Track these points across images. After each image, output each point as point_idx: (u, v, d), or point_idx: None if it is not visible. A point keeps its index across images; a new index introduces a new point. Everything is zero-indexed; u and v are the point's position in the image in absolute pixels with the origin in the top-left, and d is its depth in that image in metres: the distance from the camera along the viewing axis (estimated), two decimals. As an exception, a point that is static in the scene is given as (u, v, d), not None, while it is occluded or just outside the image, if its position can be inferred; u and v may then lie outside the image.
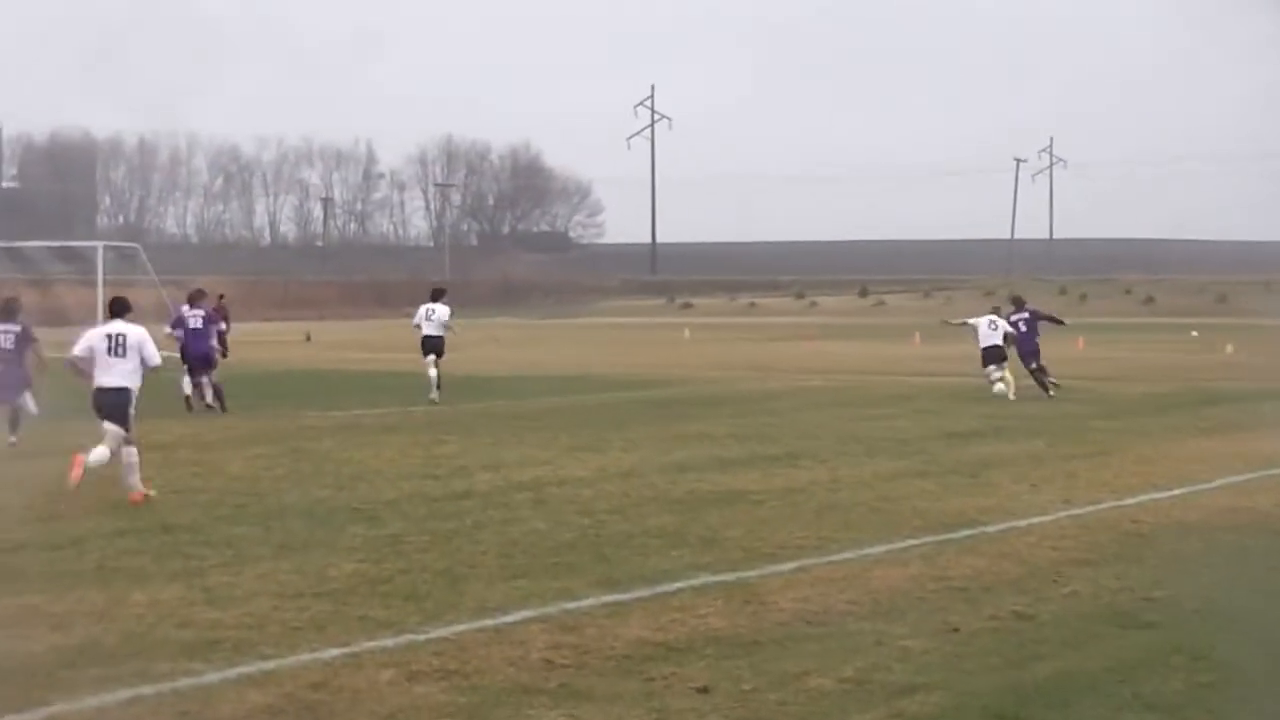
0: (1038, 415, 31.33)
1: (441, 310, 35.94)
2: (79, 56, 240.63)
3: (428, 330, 35.52)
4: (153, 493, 19.04)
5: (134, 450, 18.95)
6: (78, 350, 19.34)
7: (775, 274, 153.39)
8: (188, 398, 32.96)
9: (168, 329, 33.34)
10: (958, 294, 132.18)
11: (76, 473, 18.46)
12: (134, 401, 19.25)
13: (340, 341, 62.26)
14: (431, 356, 35.10)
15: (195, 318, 33.79)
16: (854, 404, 34.51)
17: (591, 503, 18.88)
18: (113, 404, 19.04)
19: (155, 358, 19.48)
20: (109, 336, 19.23)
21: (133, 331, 19.32)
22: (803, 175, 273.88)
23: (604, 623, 12.45)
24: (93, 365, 19.17)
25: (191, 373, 33.23)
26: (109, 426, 18.91)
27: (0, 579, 13.87)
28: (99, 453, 18.68)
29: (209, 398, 32.65)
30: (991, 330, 36.41)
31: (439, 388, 34.31)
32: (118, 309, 19.63)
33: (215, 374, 33.10)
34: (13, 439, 25.49)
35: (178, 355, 32.83)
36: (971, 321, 37.62)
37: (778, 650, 11.65)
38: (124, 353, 19.16)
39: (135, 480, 18.92)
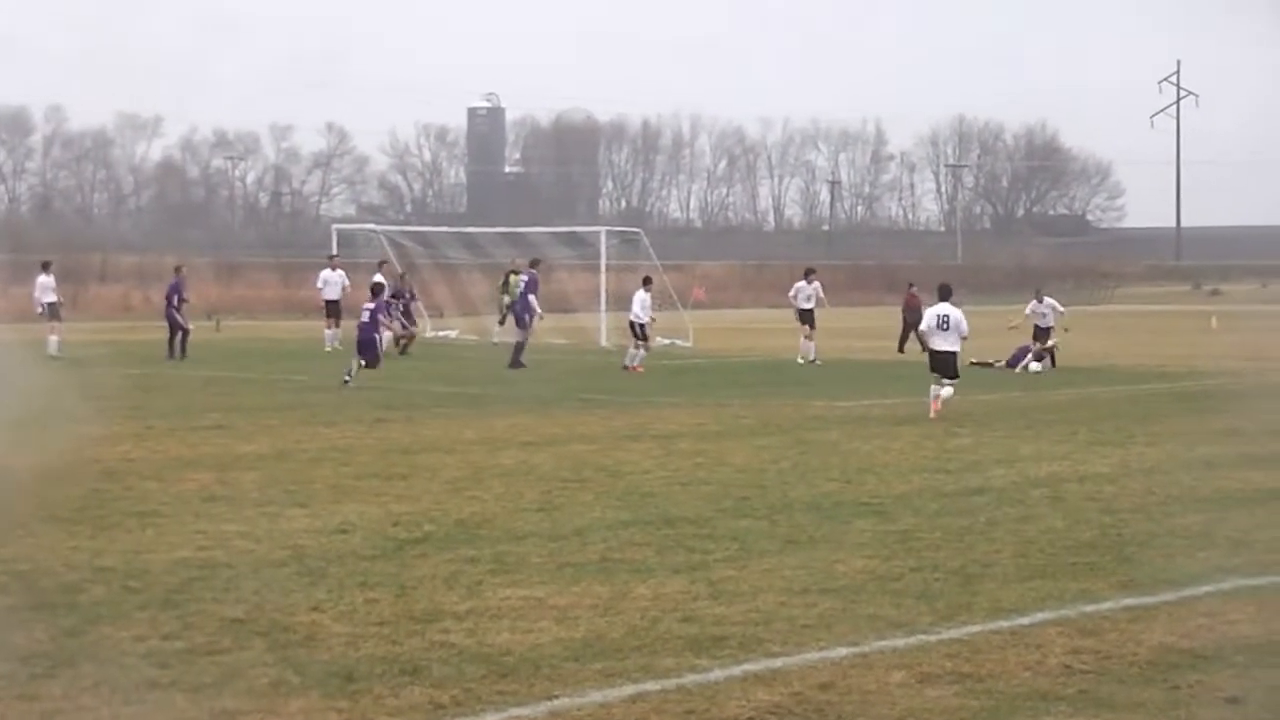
0: None
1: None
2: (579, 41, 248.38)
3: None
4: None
5: (951, 391, 27.55)
6: (923, 327, 28.74)
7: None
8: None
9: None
10: None
11: (936, 406, 27.08)
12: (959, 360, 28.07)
13: (847, 329, 61.94)
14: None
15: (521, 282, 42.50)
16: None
17: (1113, 500, 18.26)
18: (946, 362, 27.63)
19: (966, 329, 27.95)
20: (939, 317, 27.81)
21: (954, 312, 27.73)
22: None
23: (1126, 627, 12.07)
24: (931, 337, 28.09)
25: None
26: (944, 380, 27.54)
27: (506, 570, 14.00)
28: (946, 391, 27.43)
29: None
30: None
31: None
32: (944, 294, 28.21)
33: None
34: (347, 378, 33.54)
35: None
36: None
37: (1315, 659, 11.08)
38: (948, 327, 27.67)
39: (938, 406, 27.12)
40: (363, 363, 33.94)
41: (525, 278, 42.81)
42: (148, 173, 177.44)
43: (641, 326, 40.09)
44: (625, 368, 39.54)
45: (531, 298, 41.83)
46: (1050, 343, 41.43)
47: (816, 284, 44.63)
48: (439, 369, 40.47)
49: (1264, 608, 12.67)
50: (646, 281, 41.57)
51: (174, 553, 14.75)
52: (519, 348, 40.64)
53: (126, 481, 19.38)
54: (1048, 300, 42.11)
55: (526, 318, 41.55)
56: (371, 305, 35.16)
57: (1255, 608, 12.67)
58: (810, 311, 43.96)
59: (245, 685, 10.31)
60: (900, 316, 50.21)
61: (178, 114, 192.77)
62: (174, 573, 13.83)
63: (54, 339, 43.02)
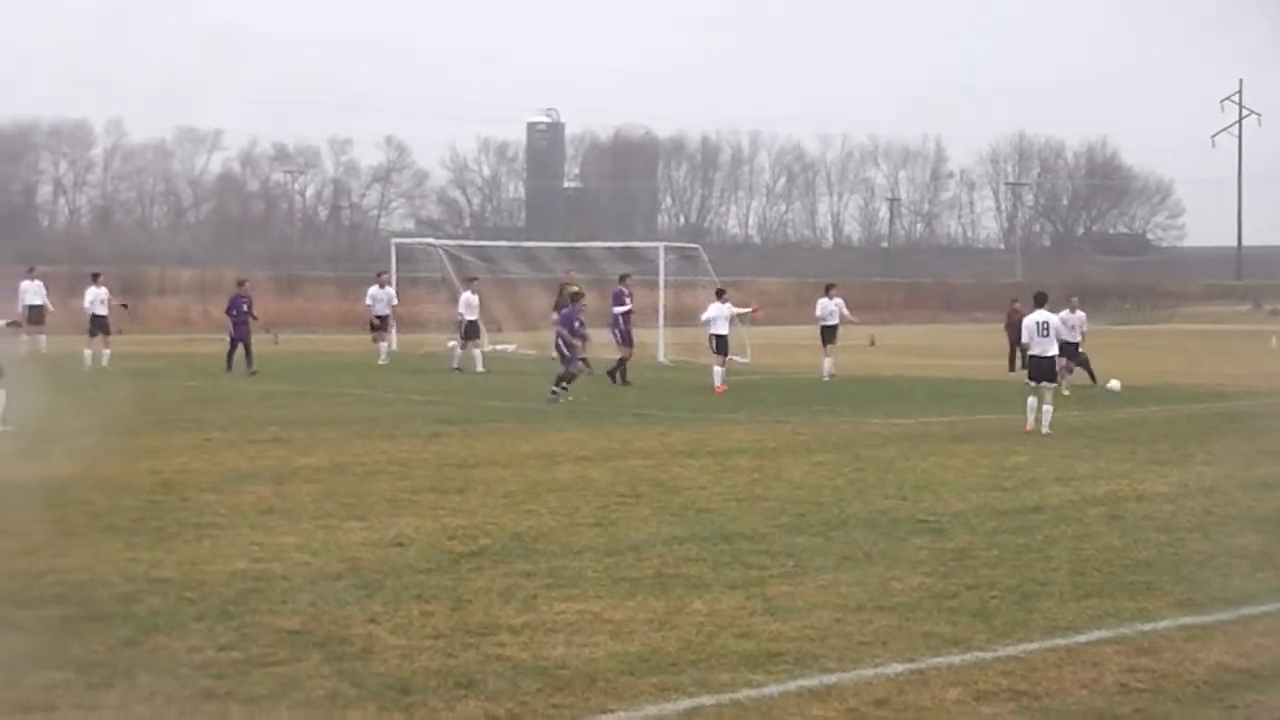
0: None
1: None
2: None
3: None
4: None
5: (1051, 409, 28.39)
6: (1025, 337, 29.40)
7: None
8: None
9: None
10: None
11: (1032, 423, 28.21)
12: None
13: (905, 346, 61.99)
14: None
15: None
16: None
17: (1171, 519, 18.13)
18: (1047, 367, 28.72)
19: (1064, 334, 30.96)
20: (1038, 324, 28.81)
21: (1053, 318, 29.40)
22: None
23: (1183, 646, 12.01)
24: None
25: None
26: (1046, 384, 28.56)
27: (562, 584, 14.01)
28: (1047, 410, 28.24)
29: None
30: None
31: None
32: (1040, 301, 29.59)
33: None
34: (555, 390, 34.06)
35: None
36: None
37: (1372, 680, 11.05)
38: (1049, 333, 28.75)
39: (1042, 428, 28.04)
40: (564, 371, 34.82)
41: (613, 294, 43.19)
42: (207, 186, 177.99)
43: (723, 339, 39.62)
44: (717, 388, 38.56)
45: (616, 310, 41.91)
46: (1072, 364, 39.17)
47: (839, 300, 44.26)
48: (496, 383, 40.53)
49: (1323, 628, 12.60)
50: (720, 294, 41.11)
51: (231, 564, 14.82)
52: (621, 364, 40.68)
53: (184, 493, 19.48)
54: (1079, 313, 40.72)
55: (616, 333, 41.86)
56: (566, 312, 35.83)
57: (1314, 628, 12.61)
58: (834, 328, 43.72)
59: (301, 697, 10.35)
60: (1005, 334, 49.51)
61: (238, 127, 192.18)
62: (230, 584, 13.89)
63: (88, 352, 43.52)
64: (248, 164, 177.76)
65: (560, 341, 35.10)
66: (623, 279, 44.23)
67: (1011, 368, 46.14)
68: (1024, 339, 29.71)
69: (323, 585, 13.91)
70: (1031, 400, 28.40)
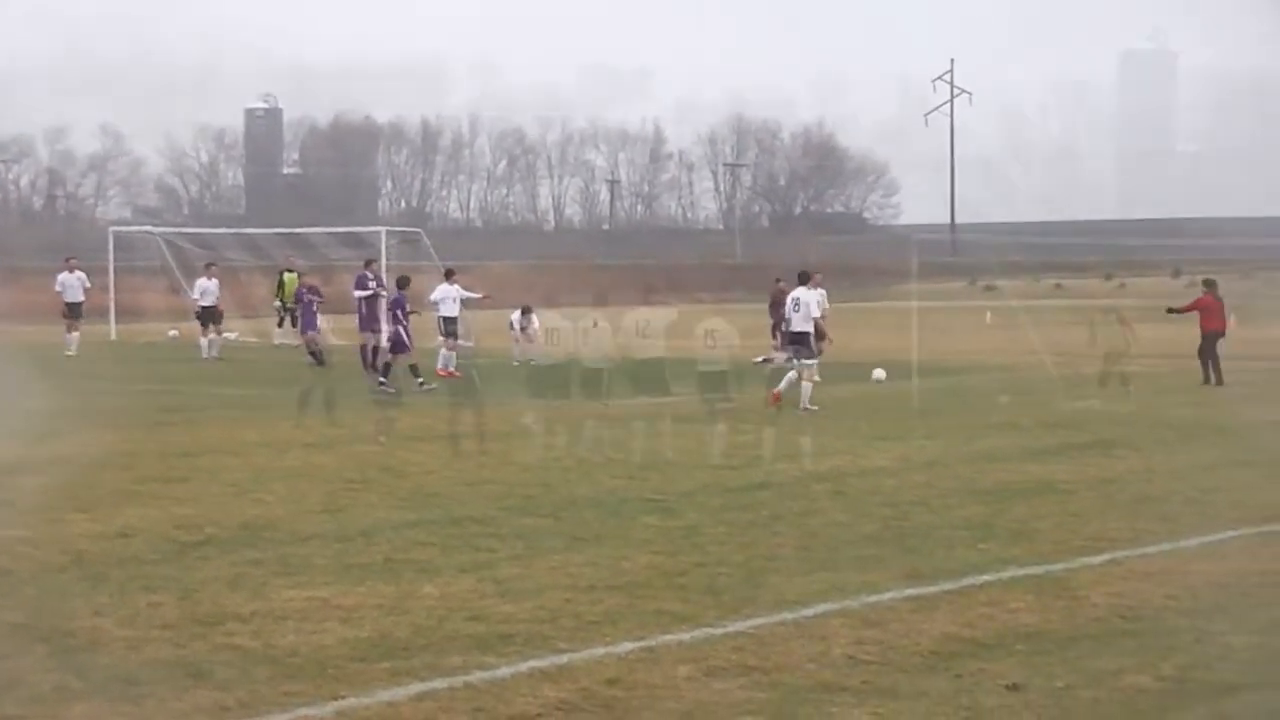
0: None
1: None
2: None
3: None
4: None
5: (809, 387, 28.64)
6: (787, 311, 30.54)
7: (1084, 255, 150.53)
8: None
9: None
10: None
11: (775, 396, 28.84)
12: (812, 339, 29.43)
13: (629, 328, 62.04)
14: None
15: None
16: (1170, 390, 33.50)
17: (894, 493, 18.50)
18: (800, 341, 29.27)
19: (815, 312, 29.67)
20: (792, 300, 30.00)
21: (805, 295, 29.78)
22: (1110, 152, 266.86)
23: (909, 617, 12.25)
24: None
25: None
26: (804, 361, 29.04)
27: (291, 571, 13.88)
28: (806, 388, 28.50)
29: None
30: None
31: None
32: (802, 280, 30.50)
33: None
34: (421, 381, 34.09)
35: None
36: None
37: (1092, 646, 11.41)
38: (799, 309, 29.51)
39: (807, 400, 28.44)
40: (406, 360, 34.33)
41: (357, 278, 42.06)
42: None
43: (452, 321, 39.46)
44: (447, 371, 38.51)
45: (358, 294, 41.15)
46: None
47: (458, 284, 43.27)
48: (220, 371, 40.01)
49: (1042, 596, 12.93)
50: (450, 274, 41.01)
51: (-48, 558, 14.45)
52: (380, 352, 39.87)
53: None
54: (820, 290, 40.92)
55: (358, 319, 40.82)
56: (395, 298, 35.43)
57: (1034, 596, 12.92)
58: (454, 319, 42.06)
59: (27, 691, 10.14)
60: (768, 314, 49.73)
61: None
62: (-48, 579, 13.55)
63: None
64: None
65: (403, 329, 34.35)
66: (368, 264, 43.63)
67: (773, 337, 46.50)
68: (784, 315, 31.26)
69: (47, 578, 13.64)
70: (791, 374, 29.17)
